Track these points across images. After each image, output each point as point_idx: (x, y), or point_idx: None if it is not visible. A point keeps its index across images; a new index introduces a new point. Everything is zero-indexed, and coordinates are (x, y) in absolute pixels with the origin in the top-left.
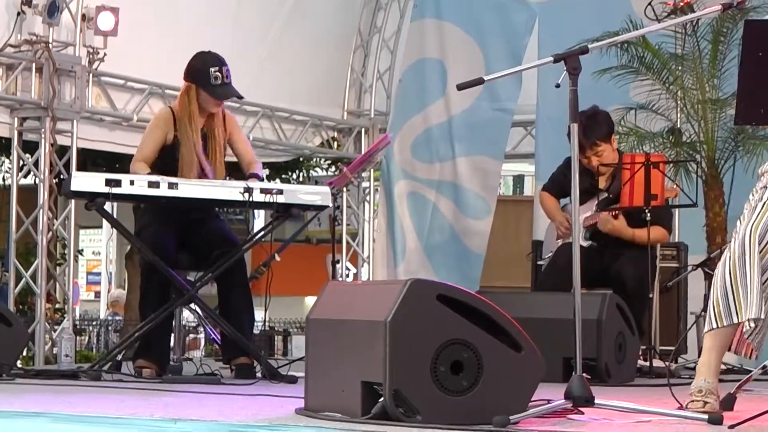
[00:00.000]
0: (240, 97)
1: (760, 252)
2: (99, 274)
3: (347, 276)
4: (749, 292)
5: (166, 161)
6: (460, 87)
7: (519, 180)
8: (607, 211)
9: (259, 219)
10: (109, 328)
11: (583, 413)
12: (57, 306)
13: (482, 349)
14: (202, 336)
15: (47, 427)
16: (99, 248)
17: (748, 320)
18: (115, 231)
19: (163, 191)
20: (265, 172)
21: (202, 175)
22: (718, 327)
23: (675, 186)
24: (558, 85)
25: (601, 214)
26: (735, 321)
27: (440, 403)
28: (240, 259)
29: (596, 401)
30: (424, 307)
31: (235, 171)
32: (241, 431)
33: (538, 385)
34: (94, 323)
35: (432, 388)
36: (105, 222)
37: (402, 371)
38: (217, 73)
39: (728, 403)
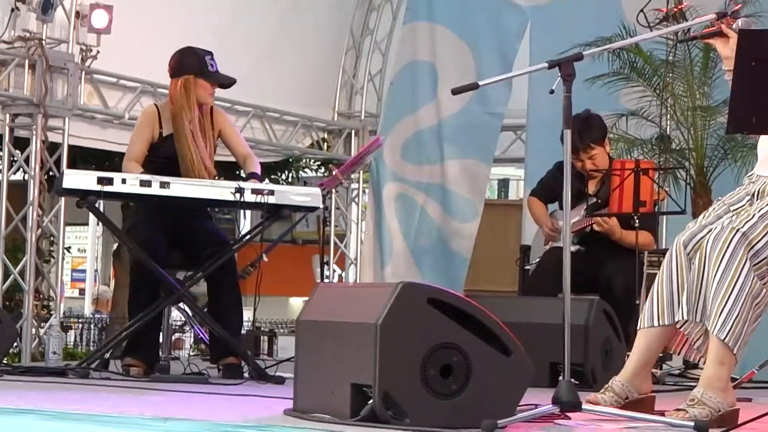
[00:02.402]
0: (234, 81)
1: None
2: (84, 271)
3: (333, 277)
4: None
5: (155, 159)
6: (455, 92)
7: (504, 184)
8: (599, 217)
9: (246, 219)
10: (93, 325)
11: (570, 418)
12: (44, 303)
13: (472, 353)
14: (187, 335)
15: (36, 425)
16: (84, 245)
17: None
18: (101, 228)
19: (155, 190)
20: None
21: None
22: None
23: (663, 189)
24: (552, 92)
25: (594, 220)
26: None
27: (429, 406)
28: (230, 259)
29: (584, 407)
30: (414, 310)
31: (226, 171)
32: (231, 431)
33: (526, 390)
34: (79, 321)
35: (421, 391)
36: (91, 219)
37: (391, 374)
38: (212, 62)
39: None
